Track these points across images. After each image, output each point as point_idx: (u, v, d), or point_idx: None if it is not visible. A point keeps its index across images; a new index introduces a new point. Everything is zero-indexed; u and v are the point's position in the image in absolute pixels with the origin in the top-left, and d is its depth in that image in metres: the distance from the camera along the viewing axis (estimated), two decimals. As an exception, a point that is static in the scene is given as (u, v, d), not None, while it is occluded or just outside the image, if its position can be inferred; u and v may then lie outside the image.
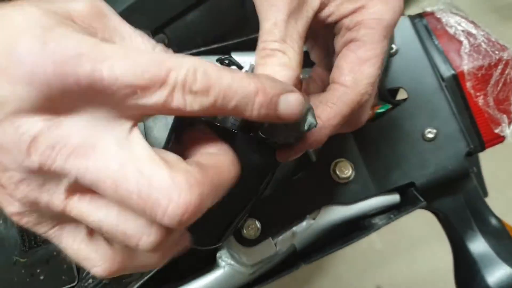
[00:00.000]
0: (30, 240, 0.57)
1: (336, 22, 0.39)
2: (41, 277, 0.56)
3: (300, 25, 0.37)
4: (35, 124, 0.24)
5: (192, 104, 0.26)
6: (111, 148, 0.25)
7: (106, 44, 0.25)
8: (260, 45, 0.36)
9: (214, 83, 0.26)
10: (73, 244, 0.30)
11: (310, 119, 0.34)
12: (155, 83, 0.25)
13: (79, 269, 0.55)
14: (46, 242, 0.56)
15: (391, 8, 0.37)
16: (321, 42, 0.46)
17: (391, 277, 1.61)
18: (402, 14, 0.39)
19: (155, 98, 0.25)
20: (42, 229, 0.29)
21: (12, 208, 0.28)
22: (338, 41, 0.40)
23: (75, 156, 0.25)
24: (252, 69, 0.38)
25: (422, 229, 1.50)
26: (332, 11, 0.38)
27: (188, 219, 0.26)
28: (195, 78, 0.26)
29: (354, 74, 0.37)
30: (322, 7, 0.38)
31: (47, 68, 0.23)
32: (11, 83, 0.23)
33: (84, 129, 0.25)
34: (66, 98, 0.24)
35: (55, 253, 0.56)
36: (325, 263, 1.57)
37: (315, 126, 0.34)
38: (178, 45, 0.65)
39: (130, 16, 0.61)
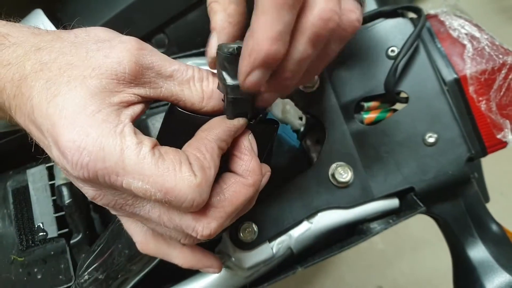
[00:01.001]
0: (28, 240, 0.57)
1: None
2: (39, 276, 0.56)
3: None
4: (89, 191, 0.35)
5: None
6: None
7: (127, 159, 0.32)
8: None
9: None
10: (126, 223, 0.42)
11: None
12: (161, 203, 0.34)
13: (76, 269, 0.55)
14: (43, 241, 0.56)
15: None
16: None
17: (393, 278, 1.60)
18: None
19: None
20: (111, 211, 0.39)
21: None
22: None
23: (120, 208, 0.36)
24: None
25: (424, 230, 1.49)
26: None
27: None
28: (193, 205, 0.33)
29: None
30: None
31: (84, 174, 0.32)
32: (70, 169, 0.33)
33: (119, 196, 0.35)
34: (100, 185, 0.34)
35: (52, 253, 0.56)
36: (326, 263, 1.57)
37: (229, 53, 0.34)
38: (178, 45, 0.65)
39: (131, 15, 0.61)
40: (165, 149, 0.34)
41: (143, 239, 0.41)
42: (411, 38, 0.53)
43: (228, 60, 0.34)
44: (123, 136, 0.32)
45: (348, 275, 1.59)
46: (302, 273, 1.51)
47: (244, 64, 0.32)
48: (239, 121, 0.38)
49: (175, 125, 0.39)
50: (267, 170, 0.41)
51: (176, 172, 0.32)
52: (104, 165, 0.31)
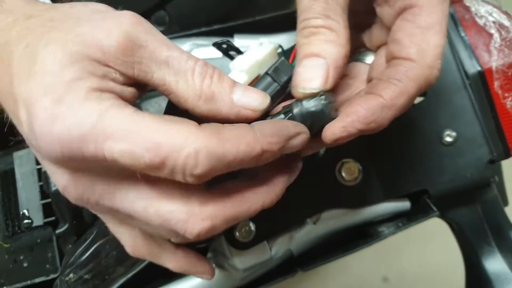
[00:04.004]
0: (14, 226, 0.55)
1: None
2: (25, 264, 0.55)
3: None
4: (63, 176, 0.31)
5: (194, 180, 0.28)
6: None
7: (107, 120, 0.27)
8: (301, 24, 0.34)
9: (217, 163, 0.28)
10: (113, 227, 0.37)
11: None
12: (151, 168, 0.28)
13: (62, 260, 0.54)
14: (30, 228, 0.55)
15: None
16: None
17: (400, 269, 1.59)
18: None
19: (155, 173, 0.28)
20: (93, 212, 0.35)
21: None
22: (388, 12, 0.36)
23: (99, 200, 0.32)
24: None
25: (434, 220, 1.47)
26: None
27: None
28: (196, 163, 0.27)
29: (418, 45, 0.33)
30: None
31: (56, 148, 0.28)
32: (40, 146, 0.29)
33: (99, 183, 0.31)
34: (78, 164, 0.29)
35: (39, 241, 0.55)
36: (331, 252, 1.58)
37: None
38: (180, 23, 0.62)
39: (129, -11, 0.58)
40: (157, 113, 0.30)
41: (133, 243, 0.38)
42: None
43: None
44: (101, 99, 0.28)
45: (354, 264, 1.58)
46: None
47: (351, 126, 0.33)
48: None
49: None
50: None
51: (169, 126, 0.28)
52: (80, 132, 0.27)
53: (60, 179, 0.31)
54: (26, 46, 0.30)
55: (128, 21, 0.30)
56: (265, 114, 0.35)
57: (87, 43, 0.29)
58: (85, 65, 0.29)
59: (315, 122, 0.33)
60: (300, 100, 0.33)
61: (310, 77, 0.33)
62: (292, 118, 0.33)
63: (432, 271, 1.55)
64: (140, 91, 0.33)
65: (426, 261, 1.58)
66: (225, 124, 0.30)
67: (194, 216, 0.30)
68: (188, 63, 0.32)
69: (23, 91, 0.29)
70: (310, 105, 0.33)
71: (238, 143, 0.29)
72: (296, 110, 0.33)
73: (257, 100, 0.33)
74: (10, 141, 0.55)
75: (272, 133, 0.30)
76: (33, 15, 0.32)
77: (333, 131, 0.33)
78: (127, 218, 0.34)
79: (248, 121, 0.32)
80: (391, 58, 0.35)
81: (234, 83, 0.33)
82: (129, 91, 0.31)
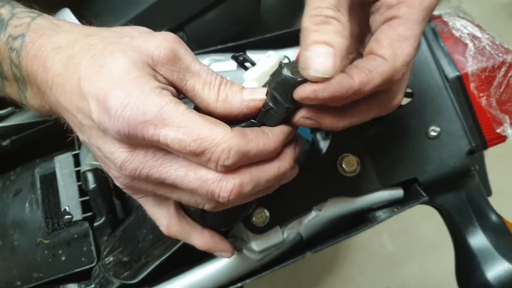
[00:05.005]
0: (54, 223, 0.60)
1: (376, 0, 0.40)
2: (63, 258, 0.59)
3: None
4: (121, 153, 0.37)
5: (222, 170, 0.36)
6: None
7: (166, 112, 0.35)
8: (312, 11, 0.36)
9: (242, 157, 0.36)
10: (151, 208, 0.44)
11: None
12: (193, 155, 0.35)
13: (99, 251, 0.58)
14: (68, 225, 0.59)
15: None
16: None
17: (402, 280, 1.60)
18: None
19: (194, 159, 0.37)
20: (135, 196, 0.43)
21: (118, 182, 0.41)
22: (377, 19, 0.40)
23: (147, 174, 0.38)
24: (283, 63, 0.40)
25: (434, 232, 1.47)
26: None
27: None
28: (228, 157, 0.35)
29: (393, 49, 0.37)
30: None
31: (125, 127, 0.35)
32: (111, 125, 0.36)
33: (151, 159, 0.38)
34: (137, 142, 0.37)
35: (76, 236, 0.59)
36: (336, 263, 1.57)
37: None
38: (197, 43, 0.68)
39: (152, 14, 0.65)
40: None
41: (168, 223, 0.44)
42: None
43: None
44: (162, 95, 0.35)
45: (357, 276, 1.59)
46: (312, 273, 1.51)
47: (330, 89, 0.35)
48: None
49: None
50: (296, 168, 0.45)
51: (212, 126, 0.35)
52: (144, 118, 0.34)
53: (119, 156, 0.37)
54: (92, 56, 0.37)
55: (172, 40, 0.39)
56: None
57: (142, 52, 0.37)
58: (143, 67, 0.37)
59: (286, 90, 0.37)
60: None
61: (323, 62, 0.35)
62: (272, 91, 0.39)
63: (434, 282, 1.56)
64: (177, 93, 0.41)
65: (428, 272, 1.59)
66: (246, 128, 0.38)
67: (226, 176, 0.37)
68: (212, 76, 0.40)
69: (93, 88, 0.36)
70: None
71: (258, 142, 0.37)
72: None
73: (262, 93, 0.40)
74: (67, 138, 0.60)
75: (279, 133, 0.40)
76: (92, 34, 0.40)
77: (304, 90, 0.35)
78: (168, 192, 0.40)
79: (257, 110, 0.41)
80: (369, 53, 0.38)
81: (242, 87, 0.41)
82: (172, 89, 0.39)
